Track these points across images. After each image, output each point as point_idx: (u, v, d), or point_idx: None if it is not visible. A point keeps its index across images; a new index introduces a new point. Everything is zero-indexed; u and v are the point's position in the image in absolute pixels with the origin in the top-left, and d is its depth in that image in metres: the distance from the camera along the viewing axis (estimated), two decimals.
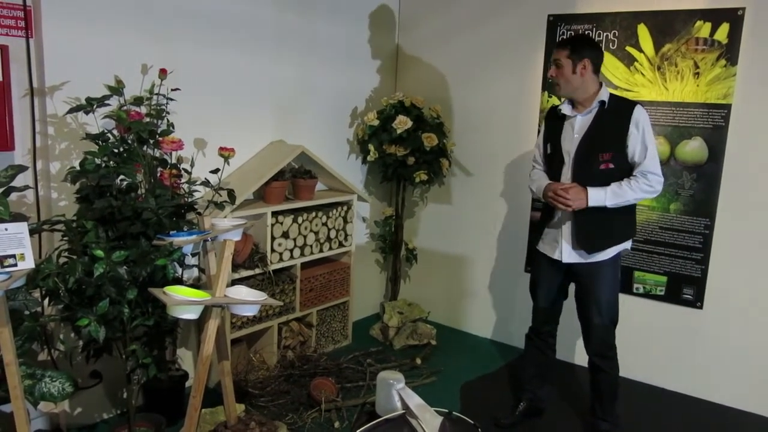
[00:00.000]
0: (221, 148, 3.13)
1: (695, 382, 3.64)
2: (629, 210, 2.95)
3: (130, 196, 2.59)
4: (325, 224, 3.88)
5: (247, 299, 2.38)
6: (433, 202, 4.58)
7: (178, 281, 3.06)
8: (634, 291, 3.75)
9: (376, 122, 4.12)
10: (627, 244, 2.98)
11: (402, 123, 4.02)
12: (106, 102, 2.64)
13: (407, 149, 4.08)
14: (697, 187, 3.51)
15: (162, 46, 3.14)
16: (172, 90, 3.06)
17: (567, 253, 2.95)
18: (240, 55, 3.53)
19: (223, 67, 3.45)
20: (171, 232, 2.62)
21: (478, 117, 4.28)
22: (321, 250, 3.89)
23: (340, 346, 4.16)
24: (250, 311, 2.42)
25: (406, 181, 4.29)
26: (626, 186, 2.79)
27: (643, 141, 2.80)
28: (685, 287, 3.61)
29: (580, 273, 2.97)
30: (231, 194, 3.13)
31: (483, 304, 4.42)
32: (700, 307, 3.58)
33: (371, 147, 4.15)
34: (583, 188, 2.80)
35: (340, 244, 4.04)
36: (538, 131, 3.82)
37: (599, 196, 2.79)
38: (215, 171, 3.10)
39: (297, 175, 3.72)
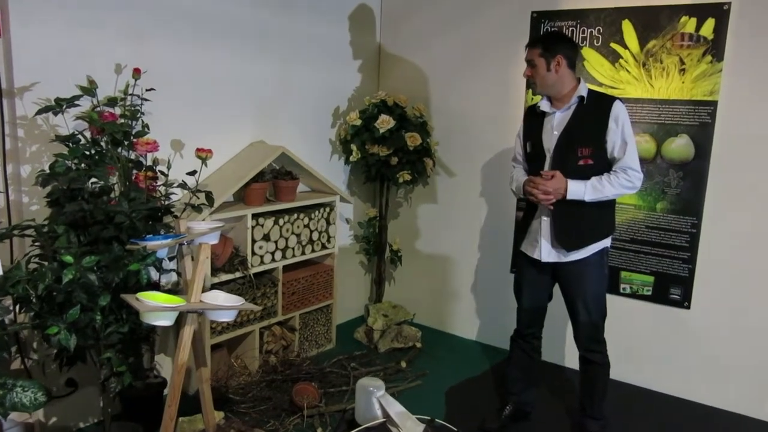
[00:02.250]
0: (198, 149, 3.05)
1: (683, 383, 3.59)
2: (608, 206, 2.92)
3: (102, 199, 2.50)
4: (307, 226, 3.81)
5: (224, 305, 2.30)
6: (417, 203, 4.52)
7: (155, 286, 2.97)
8: (621, 291, 3.71)
9: (358, 122, 4.05)
10: (607, 242, 2.94)
11: (384, 122, 3.95)
12: (76, 103, 2.55)
13: (390, 149, 4.01)
14: (684, 186, 3.47)
15: (137, 45, 3.06)
16: (146, 90, 2.98)
17: (546, 252, 2.90)
18: (219, 55, 3.45)
19: (202, 66, 3.37)
20: (146, 236, 2.54)
21: (462, 115, 4.22)
22: (303, 253, 3.82)
23: (323, 350, 4.08)
24: (227, 317, 2.34)
25: (390, 181, 4.23)
26: (606, 181, 2.77)
27: (623, 136, 2.77)
28: (673, 287, 3.57)
29: (563, 272, 2.92)
30: (209, 196, 3.04)
31: (468, 306, 4.36)
32: (688, 307, 3.54)
33: (354, 147, 4.08)
34: (564, 180, 2.76)
35: (323, 246, 3.97)
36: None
37: (578, 189, 2.76)
38: (192, 173, 3.02)
39: (278, 177, 3.65)
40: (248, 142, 3.70)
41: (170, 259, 2.67)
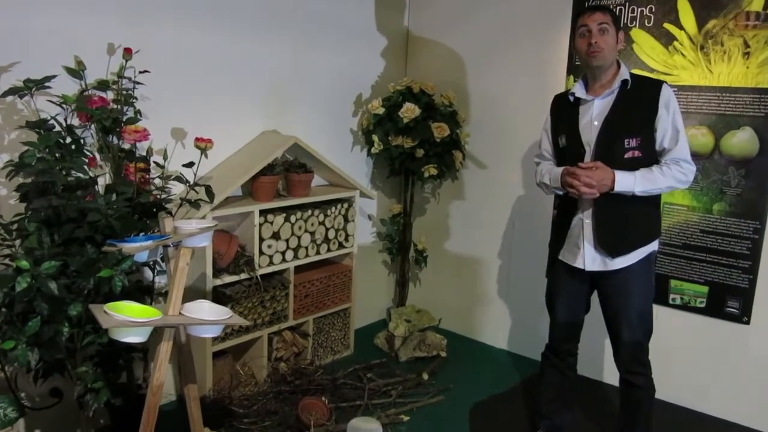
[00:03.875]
0: (197, 139, 2.77)
1: (740, 406, 3.18)
2: (654, 204, 2.57)
3: (75, 194, 2.22)
4: (322, 223, 3.49)
5: (206, 319, 2.01)
6: (445, 199, 4.17)
7: (147, 290, 2.71)
8: (671, 302, 3.31)
9: (381, 110, 3.72)
10: (654, 245, 2.57)
11: (409, 111, 3.61)
12: (46, 84, 2.27)
13: (415, 140, 3.67)
14: (746, 185, 3.05)
15: (135, 25, 2.78)
16: (140, 72, 2.70)
17: (591, 260, 2.54)
18: (227, 35, 3.15)
19: (208, 48, 3.08)
20: (128, 237, 2.27)
21: (495, 105, 3.85)
22: (318, 252, 3.51)
23: (340, 357, 3.78)
24: (211, 332, 2.05)
25: (415, 175, 3.88)
26: (657, 171, 2.42)
27: (674, 124, 2.42)
28: (730, 299, 3.15)
29: (606, 282, 2.56)
30: (209, 191, 2.76)
31: (498, 312, 4.00)
32: (747, 322, 3.12)
33: (375, 138, 3.75)
34: (610, 170, 2.39)
35: (341, 246, 3.65)
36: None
37: (627, 180, 2.39)
38: (189, 165, 2.73)
39: (290, 169, 3.34)
40: (259, 131, 3.40)
41: (153, 264, 2.40)
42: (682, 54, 3.16)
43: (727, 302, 3.16)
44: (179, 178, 2.73)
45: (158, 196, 2.75)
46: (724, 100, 3.07)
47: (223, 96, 3.19)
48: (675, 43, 3.17)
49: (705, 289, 3.22)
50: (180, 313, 2.02)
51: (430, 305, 4.19)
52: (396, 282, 4.30)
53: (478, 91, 3.91)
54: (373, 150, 3.78)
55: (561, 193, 2.57)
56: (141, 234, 2.51)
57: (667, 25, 3.18)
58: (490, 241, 3.97)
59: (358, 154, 4.00)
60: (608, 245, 2.47)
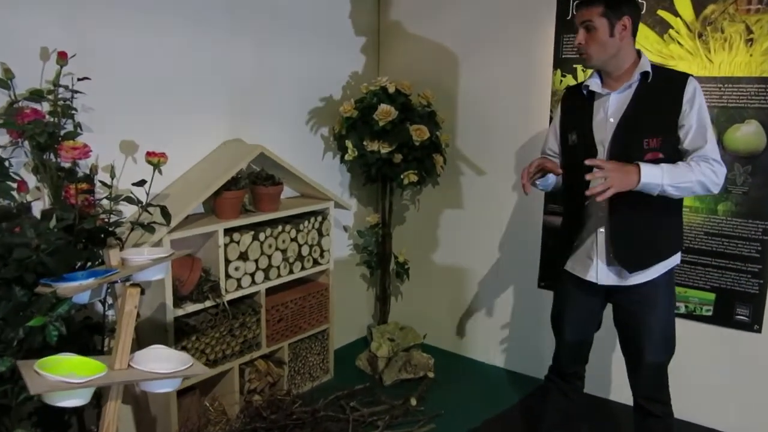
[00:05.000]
0: (149, 153, 2.44)
1: (752, 421, 2.95)
2: (677, 212, 2.32)
3: (1, 226, 1.88)
4: (294, 240, 3.18)
5: (158, 372, 1.69)
6: (426, 206, 3.88)
7: (97, 328, 2.38)
8: (675, 311, 3.06)
9: (354, 113, 3.41)
10: (677, 258, 2.32)
11: (385, 113, 3.31)
12: None
13: (392, 145, 3.37)
14: (753, 183, 2.82)
15: (73, 25, 2.43)
16: (78, 80, 2.37)
17: (604, 273, 2.27)
18: (182, 35, 2.81)
19: (160, 49, 2.74)
20: (67, 274, 1.94)
21: (478, 103, 3.57)
22: (291, 272, 3.20)
23: (319, 383, 3.47)
24: (167, 387, 1.73)
25: (393, 182, 3.59)
26: (683, 165, 2.12)
27: (701, 121, 2.14)
28: (739, 306, 2.92)
29: (623, 296, 2.30)
30: (164, 212, 2.44)
31: (490, 325, 3.72)
32: (758, 331, 2.89)
33: (349, 144, 3.44)
34: (634, 164, 2.07)
35: (315, 262, 3.34)
36: (550, 119, 3.14)
37: (654, 172, 2.05)
38: (140, 183, 2.40)
39: (257, 182, 3.03)
40: (221, 141, 3.08)
41: (102, 302, 2.07)
42: (679, 43, 2.92)
43: (736, 309, 2.93)
44: (130, 199, 2.41)
45: (106, 220, 2.42)
46: (726, 91, 2.83)
47: (178, 103, 2.86)
48: (670, 31, 2.93)
49: (711, 296, 2.99)
50: (129, 365, 1.70)
51: (415, 321, 3.90)
52: (376, 297, 4.00)
53: (459, 88, 3.63)
54: (346, 157, 3.48)
55: (548, 189, 2.32)
56: (88, 266, 2.19)
57: (661, 12, 2.94)
58: (477, 250, 3.69)
59: (330, 161, 3.69)
60: (626, 259, 2.21)
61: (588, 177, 2.08)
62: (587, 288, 2.33)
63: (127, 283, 1.84)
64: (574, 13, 2.21)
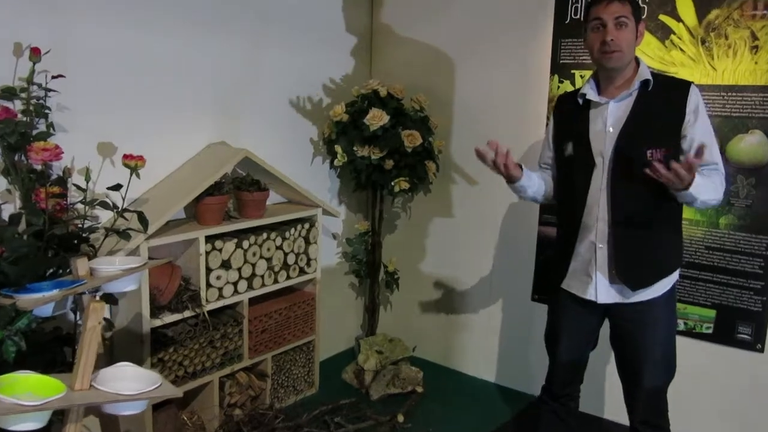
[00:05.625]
0: (126, 156, 2.33)
1: None
2: (677, 227, 2.22)
3: None
4: (280, 248, 3.06)
5: (123, 393, 1.56)
6: (418, 214, 3.75)
7: (67, 340, 2.25)
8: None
9: (344, 117, 3.29)
10: (677, 274, 2.22)
11: (376, 118, 3.19)
12: None
13: (384, 150, 3.26)
14: (756, 196, 2.71)
15: (49, 19, 2.31)
16: (53, 77, 2.24)
17: (604, 291, 2.16)
18: (165, 32, 2.69)
19: (141, 47, 2.62)
20: (31, 284, 1.81)
21: (472, 109, 3.46)
22: (276, 281, 3.08)
23: (303, 396, 3.34)
24: (132, 409, 1.60)
25: (384, 189, 3.47)
26: (711, 183, 2.00)
27: (705, 132, 2.05)
28: (741, 324, 2.81)
29: (623, 315, 2.19)
30: (142, 218, 2.31)
31: (481, 339, 3.60)
32: (761, 350, 2.78)
33: (338, 148, 3.33)
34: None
35: (302, 271, 3.22)
36: (547, 126, 3.03)
37: (699, 181, 1.89)
38: (116, 187, 2.28)
39: (241, 188, 2.91)
40: (204, 143, 2.95)
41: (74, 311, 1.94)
42: (681, 49, 2.81)
43: (737, 328, 2.82)
44: (105, 204, 2.28)
45: (80, 226, 2.30)
46: (730, 100, 2.73)
47: (160, 104, 2.73)
48: (672, 36, 2.83)
49: (712, 312, 2.88)
50: (91, 385, 1.58)
51: (404, 332, 3.78)
52: (365, 307, 3.88)
53: (453, 93, 3.51)
54: (336, 162, 3.36)
55: (526, 195, 2.25)
56: (60, 275, 2.07)
57: (663, 17, 2.83)
58: (470, 260, 3.57)
59: (319, 166, 3.57)
60: (629, 276, 2.10)
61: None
62: (585, 306, 2.22)
63: (96, 295, 1.72)
64: (598, 7, 2.06)
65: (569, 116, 2.23)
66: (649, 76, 2.07)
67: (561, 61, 3.12)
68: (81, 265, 1.77)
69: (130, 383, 1.62)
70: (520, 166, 2.21)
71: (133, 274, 1.84)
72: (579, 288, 2.21)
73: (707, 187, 1.96)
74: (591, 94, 2.14)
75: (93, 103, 2.48)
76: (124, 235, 2.27)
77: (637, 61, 2.12)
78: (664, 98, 2.06)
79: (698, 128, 2.03)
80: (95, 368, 1.75)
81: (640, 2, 2.07)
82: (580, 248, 2.19)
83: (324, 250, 3.55)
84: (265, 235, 2.97)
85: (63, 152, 2.11)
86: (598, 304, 2.17)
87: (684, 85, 2.07)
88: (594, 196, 2.12)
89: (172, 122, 2.80)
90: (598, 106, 2.14)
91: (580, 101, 2.18)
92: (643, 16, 2.79)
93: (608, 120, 2.10)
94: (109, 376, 1.65)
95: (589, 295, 2.17)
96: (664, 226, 2.11)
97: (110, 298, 2.28)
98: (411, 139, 3.23)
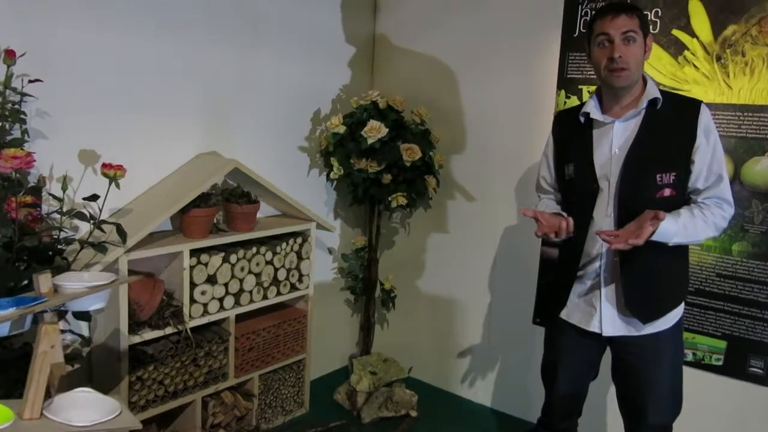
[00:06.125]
0: (105, 165, 2.22)
1: None
2: (685, 255, 2.08)
3: None
4: (270, 263, 2.94)
5: (74, 424, 1.44)
6: (416, 231, 3.62)
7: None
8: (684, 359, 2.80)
9: (341, 129, 3.18)
10: (683, 305, 2.08)
11: (374, 130, 3.07)
12: None
13: (381, 164, 3.14)
14: None
15: (28, 20, 2.21)
16: (30, 82, 2.14)
17: (609, 323, 2.03)
18: (154, 35, 2.59)
19: (128, 50, 2.51)
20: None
21: (476, 123, 3.33)
22: (265, 297, 2.95)
23: (292, 417, 3.21)
24: None
25: (381, 204, 3.34)
26: (701, 217, 1.90)
27: (717, 157, 1.93)
28: (753, 357, 2.65)
29: (627, 350, 2.06)
30: (120, 230, 2.20)
31: (480, 361, 3.46)
32: None
33: (334, 161, 3.21)
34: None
35: (293, 288, 3.09)
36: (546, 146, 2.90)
37: (671, 227, 1.85)
38: (92, 198, 2.17)
39: (230, 200, 2.79)
40: (194, 153, 2.84)
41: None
42: (695, 66, 2.68)
43: (749, 361, 2.66)
44: (81, 215, 2.17)
45: (55, 237, 2.19)
46: (746, 120, 2.59)
47: (147, 111, 2.62)
48: (686, 52, 2.69)
49: (722, 344, 2.72)
50: (43, 413, 1.45)
51: (399, 353, 3.64)
52: (360, 325, 3.74)
53: (455, 106, 3.39)
54: (331, 175, 3.24)
55: (559, 240, 2.03)
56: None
57: (676, 32, 2.70)
58: (469, 280, 3.43)
59: (316, 178, 3.45)
60: (640, 308, 1.97)
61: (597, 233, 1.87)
62: (586, 338, 2.09)
63: (58, 313, 1.60)
64: (604, 22, 1.93)
65: (570, 136, 2.10)
66: (658, 95, 1.94)
67: (568, 76, 2.99)
68: (44, 282, 1.65)
69: (86, 412, 1.49)
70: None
71: (101, 293, 1.72)
72: (582, 319, 2.07)
73: (687, 229, 1.87)
74: (595, 113, 2.01)
75: (75, 109, 2.38)
76: (100, 248, 2.15)
77: (644, 78, 1.99)
78: (673, 118, 1.93)
79: (710, 153, 1.90)
80: (57, 392, 1.64)
81: (647, 15, 1.92)
82: (584, 277, 2.06)
83: (320, 265, 3.43)
84: (254, 250, 2.85)
85: (35, 160, 2.00)
86: (603, 336, 2.03)
87: (694, 105, 1.95)
88: (598, 223, 1.98)
89: (160, 130, 2.69)
90: (602, 125, 2.01)
91: (582, 120, 2.05)
92: (654, 31, 2.69)
93: (614, 141, 1.97)
94: (64, 403, 1.53)
95: (593, 327, 2.04)
96: (673, 255, 1.97)
97: (84, 315, 2.17)
98: (410, 152, 3.11)
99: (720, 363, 2.73)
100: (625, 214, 1.93)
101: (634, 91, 1.97)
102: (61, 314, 2.12)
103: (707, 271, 2.72)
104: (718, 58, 2.62)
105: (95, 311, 2.11)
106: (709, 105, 2.56)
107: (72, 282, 1.75)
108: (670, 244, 1.88)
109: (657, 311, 1.98)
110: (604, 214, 1.98)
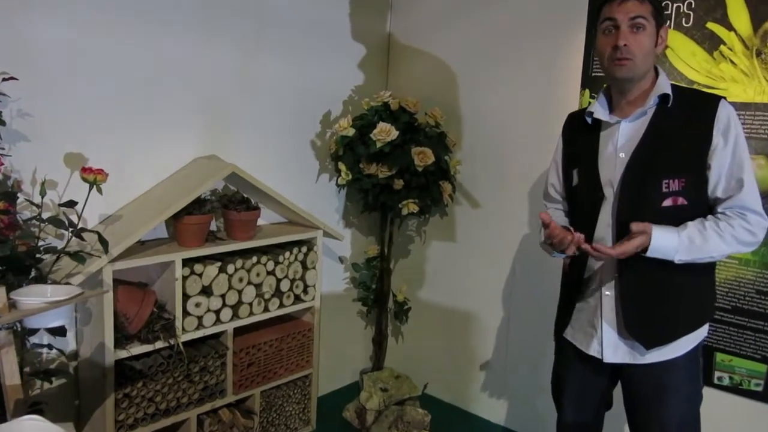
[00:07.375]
0: (84, 170, 2.09)
1: None
2: (708, 271, 1.83)
3: None
4: (272, 273, 2.77)
5: None
6: (432, 240, 3.43)
7: None
8: (716, 382, 2.55)
9: (350, 131, 3.00)
10: (704, 331, 1.84)
11: (383, 133, 2.89)
12: None
13: (392, 169, 2.95)
14: None
15: (12, 18, 2.09)
16: (4, 80, 2.02)
17: (611, 347, 1.82)
18: (149, 32, 2.45)
19: (120, 48, 2.38)
20: None
21: (494, 125, 3.12)
22: (266, 309, 2.79)
23: None
24: None
25: (392, 211, 3.15)
26: (713, 230, 1.66)
27: (736, 159, 1.68)
28: None
29: (635, 380, 1.84)
30: (101, 239, 2.06)
31: (495, 379, 3.24)
32: None
33: (342, 166, 3.03)
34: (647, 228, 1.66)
35: (297, 299, 2.93)
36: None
37: (668, 243, 1.64)
38: (69, 204, 2.04)
39: (228, 206, 2.64)
40: (192, 156, 2.70)
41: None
42: (732, 62, 2.44)
43: None
44: (59, 221, 2.04)
45: (32, 245, 2.06)
46: None
47: (141, 112, 2.49)
48: (722, 47, 2.45)
49: (763, 367, 2.47)
50: None
51: (413, 368, 3.45)
52: (372, 339, 3.55)
53: (472, 108, 3.19)
54: (339, 180, 3.07)
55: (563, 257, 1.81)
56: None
57: (711, 25, 2.46)
58: (487, 292, 3.22)
59: (326, 184, 3.28)
60: (641, 331, 1.75)
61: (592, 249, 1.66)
62: (590, 363, 1.87)
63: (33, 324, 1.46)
64: (611, 6, 1.73)
65: (577, 138, 1.90)
66: (669, 90, 1.72)
67: (593, 74, 2.77)
68: None
69: None
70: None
71: (59, 307, 1.58)
72: (582, 341, 1.87)
73: (694, 244, 1.64)
74: (600, 112, 1.80)
75: (61, 109, 2.25)
76: (78, 257, 2.01)
77: (657, 72, 1.77)
78: (686, 117, 1.71)
79: (729, 156, 1.67)
80: (12, 417, 1.50)
81: (660, 5, 1.70)
82: (586, 294, 1.85)
83: (331, 275, 3.28)
84: (254, 259, 2.69)
85: (3, 163, 1.87)
86: (604, 362, 1.81)
87: (712, 101, 1.71)
88: (600, 234, 1.77)
89: (155, 132, 2.55)
90: (609, 126, 1.80)
91: (589, 120, 1.84)
92: (687, 24, 2.46)
93: (618, 142, 1.76)
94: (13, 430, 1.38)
95: (593, 351, 1.83)
96: (690, 272, 1.73)
97: (58, 330, 2.03)
98: (422, 157, 2.92)
99: (760, 389, 2.47)
100: (624, 225, 1.71)
101: (642, 85, 1.76)
102: (31, 331, 2.00)
103: (746, 287, 2.46)
104: (759, 53, 2.38)
105: (91, 318, 1.98)
106: (748, 105, 2.35)
107: (32, 297, 1.62)
108: (677, 261, 1.65)
109: (664, 335, 1.76)
110: (605, 224, 1.77)
